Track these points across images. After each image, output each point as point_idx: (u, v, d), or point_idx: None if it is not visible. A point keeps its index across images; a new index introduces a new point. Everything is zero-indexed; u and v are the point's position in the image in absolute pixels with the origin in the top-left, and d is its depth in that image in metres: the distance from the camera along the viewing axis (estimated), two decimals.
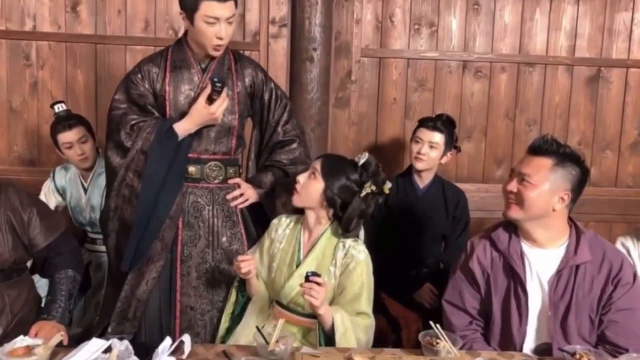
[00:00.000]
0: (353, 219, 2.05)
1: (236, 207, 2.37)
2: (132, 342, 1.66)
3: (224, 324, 2.20)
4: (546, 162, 1.89)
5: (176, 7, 3.16)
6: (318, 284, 1.85)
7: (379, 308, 2.63)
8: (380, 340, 2.35)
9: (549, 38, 3.31)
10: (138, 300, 2.28)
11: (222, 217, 2.35)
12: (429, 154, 2.76)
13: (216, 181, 2.35)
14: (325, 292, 1.89)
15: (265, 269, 2.18)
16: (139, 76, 2.33)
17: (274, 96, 2.42)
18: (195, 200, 2.33)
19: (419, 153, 2.77)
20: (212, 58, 2.32)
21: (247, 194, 2.36)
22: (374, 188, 2.05)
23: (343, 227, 2.07)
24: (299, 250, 2.11)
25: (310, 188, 2.07)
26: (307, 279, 1.86)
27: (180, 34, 3.21)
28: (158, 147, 2.22)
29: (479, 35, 3.30)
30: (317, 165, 2.09)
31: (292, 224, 2.18)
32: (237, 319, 2.20)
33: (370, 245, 2.70)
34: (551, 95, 3.36)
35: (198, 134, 2.28)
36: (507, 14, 3.29)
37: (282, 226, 2.18)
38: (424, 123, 2.81)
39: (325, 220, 2.11)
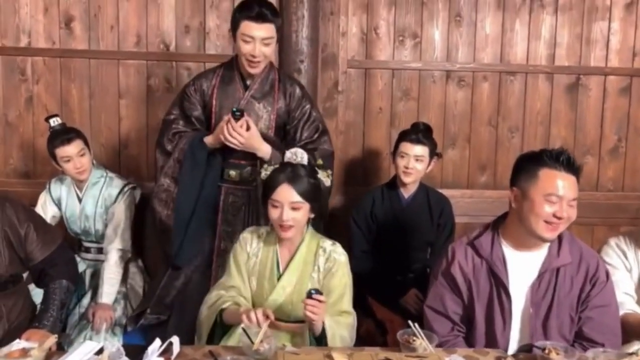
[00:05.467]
0: (325, 205, 2.21)
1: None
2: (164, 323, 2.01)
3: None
4: (575, 180, 1.93)
5: (167, 22, 3.29)
6: (320, 301, 1.88)
7: (366, 311, 2.71)
8: (368, 342, 2.40)
9: (529, 47, 3.37)
10: (176, 289, 2.62)
11: (255, 215, 2.59)
12: (416, 166, 2.79)
13: (254, 183, 2.58)
14: (325, 308, 1.92)
15: (245, 282, 2.17)
16: (192, 89, 2.65)
17: (305, 116, 2.64)
18: (234, 200, 2.62)
19: (406, 167, 2.78)
20: (255, 76, 2.58)
21: (249, 134, 2.45)
22: (323, 173, 2.16)
23: (320, 216, 2.20)
24: (277, 263, 2.14)
25: (302, 217, 2.08)
26: (310, 295, 1.87)
27: (173, 49, 3.30)
28: (190, 155, 2.54)
29: (461, 45, 3.37)
30: (292, 196, 2.04)
31: (264, 237, 2.19)
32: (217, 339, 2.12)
33: (357, 252, 2.81)
34: (532, 103, 3.42)
35: None
36: (488, 25, 3.36)
37: (254, 239, 2.18)
38: (406, 137, 2.81)
39: (303, 228, 2.15)
